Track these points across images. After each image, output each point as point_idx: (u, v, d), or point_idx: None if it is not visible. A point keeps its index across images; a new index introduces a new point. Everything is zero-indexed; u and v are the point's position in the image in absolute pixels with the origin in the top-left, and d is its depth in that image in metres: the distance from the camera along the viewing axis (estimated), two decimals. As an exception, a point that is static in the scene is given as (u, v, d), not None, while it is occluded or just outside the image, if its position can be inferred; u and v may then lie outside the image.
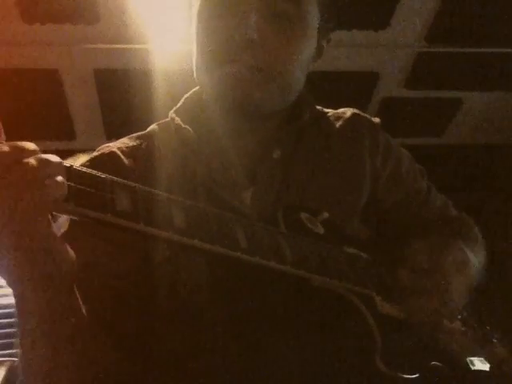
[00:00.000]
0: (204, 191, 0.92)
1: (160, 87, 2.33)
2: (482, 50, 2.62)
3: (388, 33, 2.51)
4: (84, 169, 0.65)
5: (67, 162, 0.63)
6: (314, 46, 0.97)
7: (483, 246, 1.07)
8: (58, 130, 2.81)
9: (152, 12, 2.29)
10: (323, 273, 0.80)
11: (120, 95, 2.66)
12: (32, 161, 0.58)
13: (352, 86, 2.73)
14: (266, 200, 0.94)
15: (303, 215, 0.91)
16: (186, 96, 1.06)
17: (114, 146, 0.97)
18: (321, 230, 0.91)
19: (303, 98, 1.03)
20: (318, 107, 1.09)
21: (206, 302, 0.86)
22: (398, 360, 0.79)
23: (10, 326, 2.70)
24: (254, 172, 0.96)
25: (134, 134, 1.02)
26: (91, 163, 0.92)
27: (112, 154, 0.95)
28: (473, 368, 0.88)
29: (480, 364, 0.89)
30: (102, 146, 0.98)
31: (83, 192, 0.61)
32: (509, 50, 2.62)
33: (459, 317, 0.94)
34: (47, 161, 0.60)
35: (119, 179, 0.67)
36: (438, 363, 0.83)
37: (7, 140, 0.61)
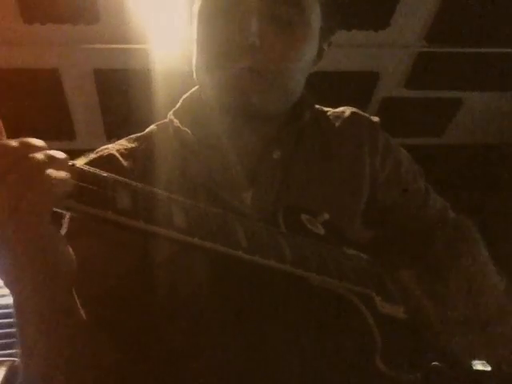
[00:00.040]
0: (204, 192, 0.92)
1: (160, 87, 2.33)
2: (482, 50, 2.62)
3: (388, 33, 2.51)
4: (86, 167, 0.65)
5: (69, 161, 0.63)
6: (315, 49, 0.97)
7: (485, 247, 1.07)
8: (58, 130, 2.81)
9: (152, 12, 2.29)
10: (323, 272, 0.80)
11: (120, 95, 2.66)
12: (39, 156, 0.59)
13: (352, 85, 2.73)
14: (266, 200, 0.94)
15: (303, 216, 0.91)
16: (184, 97, 1.06)
17: (113, 148, 0.97)
18: (321, 231, 0.91)
19: (304, 98, 1.03)
20: (317, 106, 1.09)
21: (206, 302, 0.86)
22: (398, 360, 0.79)
23: (9, 326, 2.71)
24: (254, 172, 0.96)
25: (133, 136, 1.02)
26: (90, 166, 0.91)
27: (110, 156, 0.94)
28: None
29: (482, 367, 0.89)
30: (101, 148, 0.97)
31: (84, 189, 0.62)
32: (509, 49, 2.62)
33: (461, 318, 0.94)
34: (54, 157, 0.61)
35: (120, 178, 0.67)
36: (438, 363, 0.83)
37: (7, 140, 0.61)
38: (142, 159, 0.95)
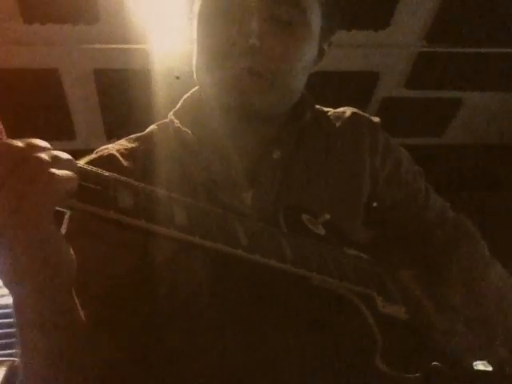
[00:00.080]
0: (204, 192, 0.92)
1: (160, 87, 2.33)
2: (482, 50, 2.62)
3: (388, 33, 2.51)
4: (87, 166, 0.65)
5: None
6: (315, 49, 0.97)
7: (484, 246, 1.08)
8: (58, 130, 2.81)
9: (152, 12, 2.29)
10: (324, 272, 0.80)
11: (120, 95, 2.66)
12: (44, 156, 0.59)
13: (352, 85, 2.73)
14: (267, 201, 0.93)
15: (304, 216, 0.91)
16: (184, 97, 1.05)
17: (113, 148, 0.97)
18: (322, 232, 0.91)
19: (304, 98, 1.03)
20: (318, 106, 1.09)
21: (206, 302, 0.86)
22: (398, 360, 0.79)
23: (9, 326, 2.71)
24: (254, 173, 0.96)
25: (133, 136, 1.02)
26: (90, 165, 0.91)
27: (111, 156, 0.94)
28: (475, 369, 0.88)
29: (483, 368, 0.89)
30: (101, 148, 0.97)
31: (86, 188, 0.62)
32: (509, 49, 2.62)
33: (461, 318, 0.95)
34: (58, 157, 0.61)
35: (122, 177, 0.68)
36: (438, 363, 0.83)
37: (7, 140, 0.61)
38: (142, 159, 0.95)
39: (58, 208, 0.61)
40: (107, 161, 0.93)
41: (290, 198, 0.94)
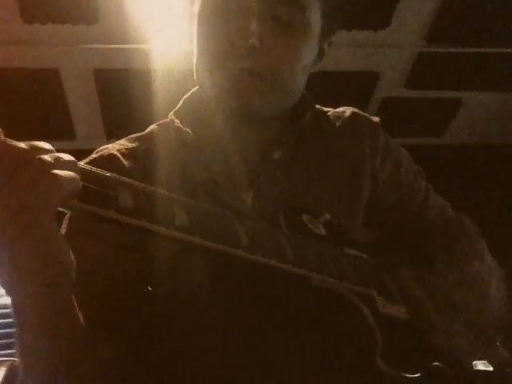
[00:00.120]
0: (204, 192, 0.92)
1: (160, 87, 2.33)
2: (482, 50, 2.62)
3: (388, 33, 2.51)
4: (88, 167, 0.65)
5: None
6: (315, 49, 0.96)
7: (484, 244, 1.08)
8: (58, 130, 2.81)
9: (152, 12, 2.29)
10: (324, 272, 0.80)
11: (120, 95, 2.66)
12: (47, 157, 0.59)
13: (352, 85, 2.73)
14: (267, 201, 0.93)
15: (305, 216, 0.91)
16: (185, 97, 1.05)
17: (113, 148, 0.97)
18: (322, 232, 0.91)
19: (304, 98, 1.03)
20: (318, 106, 1.09)
21: (206, 302, 0.86)
22: (398, 360, 0.79)
23: (9, 326, 2.70)
24: (254, 173, 0.96)
25: (133, 135, 1.01)
26: (91, 165, 0.91)
27: (111, 156, 0.94)
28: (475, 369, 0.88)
29: (483, 368, 0.89)
30: (101, 147, 0.97)
31: (87, 189, 0.62)
32: (509, 49, 2.62)
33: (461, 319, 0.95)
34: (61, 158, 0.61)
35: (122, 177, 0.68)
36: (438, 363, 0.83)
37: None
38: (142, 159, 0.95)
39: (59, 208, 0.61)
40: (108, 161, 0.93)
41: (290, 198, 0.94)
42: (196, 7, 0.94)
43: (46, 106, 2.69)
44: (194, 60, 0.96)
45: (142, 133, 1.03)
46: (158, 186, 0.73)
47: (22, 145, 0.59)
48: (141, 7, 2.27)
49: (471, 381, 0.88)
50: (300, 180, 0.98)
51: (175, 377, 0.86)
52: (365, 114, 1.10)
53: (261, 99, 0.89)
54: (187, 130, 0.97)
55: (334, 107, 1.12)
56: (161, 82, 2.35)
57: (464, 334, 0.90)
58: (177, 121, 0.99)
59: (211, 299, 0.86)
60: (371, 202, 1.03)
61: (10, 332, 2.65)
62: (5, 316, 2.78)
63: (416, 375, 0.80)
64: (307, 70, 0.97)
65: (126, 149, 0.97)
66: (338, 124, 1.07)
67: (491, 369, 0.89)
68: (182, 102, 1.05)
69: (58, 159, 0.61)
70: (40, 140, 0.62)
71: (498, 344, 0.93)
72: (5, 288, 0.64)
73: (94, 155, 0.95)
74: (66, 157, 0.62)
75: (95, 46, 2.42)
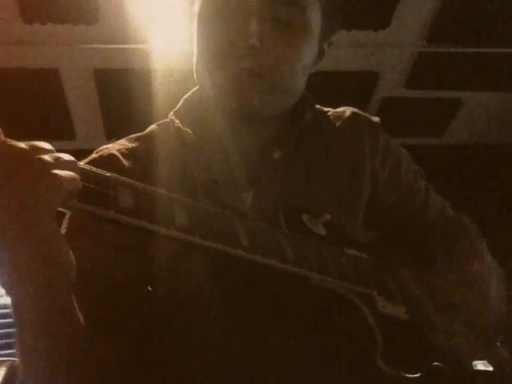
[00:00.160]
0: (204, 192, 0.92)
1: (160, 87, 2.33)
2: (482, 50, 2.62)
3: (388, 33, 2.51)
4: (88, 167, 0.66)
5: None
6: (315, 49, 0.96)
7: (485, 247, 1.08)
8: (58, 130, 2.81)
9: (152, 12, 2.29)
10: (324, 272, 0.80)
11: (120, 95, 2.66)
12: (47, 157, 0.59)
13: (352, 85, 2.73)
14: (267, 201, 0.93)
15: (305, 216, 0.91)
16: (185, 97, 1.05)
17: (113, 148, 0.97)
18: (322, 232, 0.91)
19: (304, 98, 1.03)
20: (318, 106, 1.09)
21: (207, 302, 0.86)
22: (398, 360, 0.79)
23: (9, 326, 2.70)
24: (254, 173, 0.96)
25: (133, 135, 1.01)
26: (91, 165, 0.92)
27: (111, 156, 0.94)
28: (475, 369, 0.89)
29: (483, 368, 0.89)
30: (101, 147, 0.97)
31: (87, 189, 0.62)
32: (509, 49, 2.62)
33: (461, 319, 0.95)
34: (61, 158, 0.61)
35: (122, 177, 0.68)
36: (438, 363, 0.83)
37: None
38: (142, 159, 0.95)
39: (59, 209, 0.61)
40: (108, 161, 0.93)
41: (290, 198, 0.94)
42: (196, 7, 0.94)
43: (46, 106, 2.69)
44: (194, 60, 0.96)
45: (142, 133, 1.03)
46: (158, 186, 0.73)
47: (22, 145, 0.59)
48: (141, 7, 2.27)
49: (471, 381, 0.88)
50: (300, 180, 0.98)
51: (175, 377, 0.86)
52: (365, 114, 1.10)
53: (261, 99, 0.89)
54: (187, 129, 0.97)
55: (334, 107, 1.12)
56: (161, 81, 2.35)
57: (464, 334, 0.90)
58: (177, 121, 0.99)
59: (211, 299, 0.86)
60: (371, 201, 1.03)
61: (9, 332, 2.65)
62: (5, 316, 2.78)
63: (416, 375, 0.80)
64: (307, 70, 0.97)
65: (126, 149, 0.97)
66: (338, 124, 1.07)
67: (491, 369, 0.89)
68: (181, 102, 1.05)
69: (57, 159, 0.61)
70: (40, 140, 0.62)
71: (498, 344, 0.93)
72: (5, 288, 0.64)
73: (93, 155, 0.95)
74: (66, 157, 0.62)
75: (95, 46, 2.42)
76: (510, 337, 0.94)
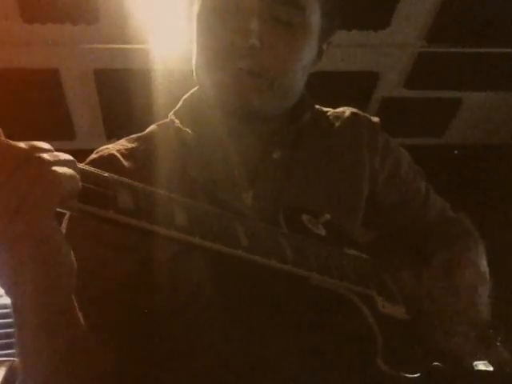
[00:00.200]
0: (204, 192, 0.92)
1: (160, 87, 2.33)
2: (482, 49, 2.62)
3: (388, 33, 2.51)
4: (87, 167, 0.65)
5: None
6: (314, 49, 0.96)
7: (484, 248, 1.08)
8: (58, 130, 2.81)
9: (152, 12, 2.29)
10: (324, 272, 0.80)
11: (120, 95, 2.66)
12: (46, 156, 0.59)
13: (352, 85, 2.73)
14: (267, 201, 0.93)
15: (304, 217, 0.91)
16: (184, 97, 1.06)
17: (113, 148, 0.97)
18: (322, 232, 0.91)
19: (303, 98, 1.03)
20: (317, 106, 1.09)
21: (206, 302, 0.86)
22: (398, 360, 0.79)
23: (9, 326, 2.70)
24: (254, 173, 0.96)
25: (134, 136, 1.02)
26: (90, 166, 0.91)
27: (111, 156, 0.94)
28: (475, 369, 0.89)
29: (483, 368, 0.89)
30: (101, 148, 0.97)
31: (87, 189, 0.62)
32: (509, 49, 2.62)
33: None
34: (60, 158, 0.61)
35: (122, 178, 0.68)
36: (438, 363, 0.83)
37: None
38: (142, 159, 0.95)
39: (58, 209, 0.61)
40: (107, 161, 0.93)
41: (290, 198, 0.95)
42: (196, 7, 0.94)
43: (46, 106, 2.69)
44: (194, 60, 0.96)
45: (142, 133, 1.03)
46: (158, 186, 0.72)
47: (22, 144, 0.59)
48: (141, 7, 2.27)
49: (471, 381, 0.88)
50: (300, 180, 0.97)
51: (175, 377, 0.86)
52: (364, 115, 1.11)
53: (260, 99, 0.89)
54: (187, 129, 0.97)
55: (334, 107, 1.12)
56: (161, 82, 2.34)
57: (464, 334, 0.90)
58: (176, 121, 0.99)
59: (211, 299, 0.86)
60: (371, 201, 1.03)
61: (9, 332, 2.65)
62: (5, 316, 2.78)
63: (416, 375, 0.80)
64: (307, 69, 0.97)
65: (126, 149, 0.97)
66: (337, 124, 1.07)
67: (491, 369, 0.89)
68: (181, 102, 1.05)
69: (57, 158, 0.61)
70: (40, 140, 0.62)
71: (498, 344, 0.93)
72: (4, 288, 0.64)
73: (93, 155, 0.95)
74: (65, 156, 0.62)
75: (95, 46, 2.42)
76: (510, 337, 0.94)
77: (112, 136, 2.75)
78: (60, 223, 0.82)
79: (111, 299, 0.83)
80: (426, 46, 2.59)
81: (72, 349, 0.71)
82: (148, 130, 1.04)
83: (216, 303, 0.86)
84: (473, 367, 0.88)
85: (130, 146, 0.98)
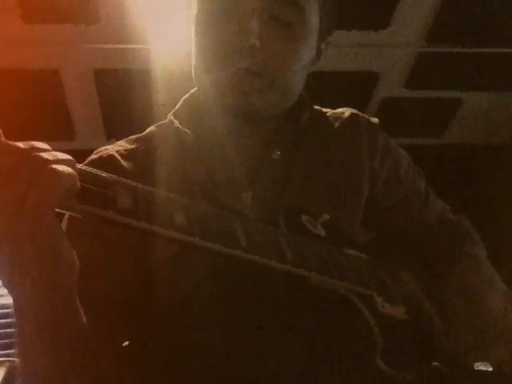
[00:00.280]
0: (203, 192, 0.92)
1: (160, 87, 2.33)
2: (482, 50, 2.62)
3: (388, 33, 2.50)
4: (87, 167, 0.66)
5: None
6: (313, 49, 0.97)
7: (483, 249, 1.08)
8: (58, 130, 2.81)
9: (152, 12, 2.29)
10: (324, 273, 0.81)
11: (120, 95, 2.66)
12: (46, 155, 0.60)
13: (352, 86, 2.72)
14: (266, 201, 0.94)
15: (304, 217, 0.91)
16: (184, 98, 1.06)
17: (113, 149, 0.97)
18: (322, 232, 0.91)
19: (302, 99, 1.03)
20: (317, 107, 1.09)
21: (206, 303, 0.86)
22: (398, 360, 0.79)
23: (9, 326, 2.70)
24: (253, 173, 0.96)
25: (133, 137, 1.02)
26: (90, 166, 0.91)
27: (110, 157, 0.95)
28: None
29: (483, 368, 0.89)
30: (100, 149, 0.97)
31: (86, 190, 0.62)
32: (509, 49, 2.62)
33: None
34: (59, 157, 0.61)
35: (121, 178, 0.68)
36: (438, 363, 0.83)
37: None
38: (141, 160, 0.95)
39: (58, 210, 0.61)
40: (107, 162, 0.93)
41: (289, 199, 0.95)
42: (194, 8, 0.94)
43: (46, 106, 2.69)
44: (193, 60, 0.96)
45: (141, 134, 1.03)
46: (158, 187, 0.73)
47: (21, 144, 0.60)
48: (141, 7, 2.27)
49: (471, 381, 0.88)
50: (299, 180, 0.98)
51: (175, 377, 0.86)
52: (364, 115, 1.11)
53: (260, 99, 0.90)
54: (186, 130, 0.97)
55: (334, 107, 1.12)
56: (161, 82, 2.34)
57: (464, 334, 0.90)
58: (176, 121, 0.99)
59: (211, 299, 0.86)
60: (370, 202, 1.04)
61: (9, 332, 2.65)
62: (5, 316, 2.78)
63: (416, 375, 0.80)
64: (306, 69, 0.97)
65: (126, 150, 0.97)
66: (336, 125, 1.07)
67: (491, 369, 0.89)
68: (181, 102, 1.05)
69: (56, 157, 0.61)
70: (40, 140, 0.63)
71: (498, 344, 0.93)
72: (7, 288, 0.64)
73: (93, 156, 0.96)
74: (64, 156, 0.62)
75: (95, 46, 2.42)
76: (510, 337, 0.93)
77: (112, 136, 2.75)
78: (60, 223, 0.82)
79: (111, 299, 0.83)
80: (426, 46, 2.59)
81: (72, 348, 0.71)
82: (147, 130, 1.04)
83: (216, 303, 0.86)
84: (473, 367, 0.88)
85: (129, 146, 0.98)
